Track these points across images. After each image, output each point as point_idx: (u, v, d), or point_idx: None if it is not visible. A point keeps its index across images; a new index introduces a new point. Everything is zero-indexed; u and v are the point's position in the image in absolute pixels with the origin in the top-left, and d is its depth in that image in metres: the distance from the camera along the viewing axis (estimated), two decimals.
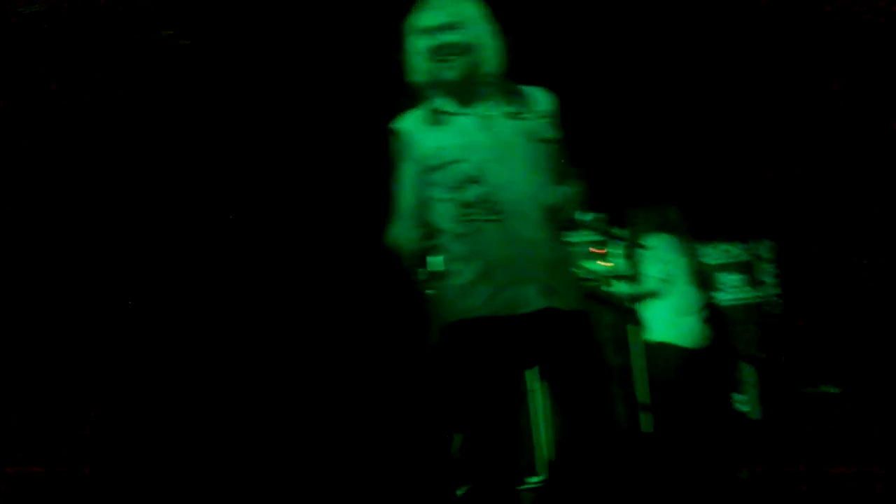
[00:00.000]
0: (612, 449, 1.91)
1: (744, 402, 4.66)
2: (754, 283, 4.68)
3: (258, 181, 3.22)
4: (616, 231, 4.37)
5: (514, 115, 1.95)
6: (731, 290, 4.66)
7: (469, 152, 1.89)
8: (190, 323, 2.83)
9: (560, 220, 1.97)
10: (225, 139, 3.18)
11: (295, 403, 2.84)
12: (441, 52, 1.91)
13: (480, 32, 1.94)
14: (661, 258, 3.81)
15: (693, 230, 4.03)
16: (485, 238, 1.87)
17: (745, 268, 4.71)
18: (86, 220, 2.90)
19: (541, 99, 2.00)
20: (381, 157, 2.06)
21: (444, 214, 1.89)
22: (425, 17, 1.94)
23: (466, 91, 1.94)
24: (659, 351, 3.84)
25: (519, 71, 2.01)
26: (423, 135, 1.94)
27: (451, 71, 1.92)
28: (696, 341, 3.81)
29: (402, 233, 1.99)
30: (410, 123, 1.97)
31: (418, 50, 1.94)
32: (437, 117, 1.93)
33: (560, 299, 1.91)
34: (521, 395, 1.96)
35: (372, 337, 2.76)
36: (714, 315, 3.94)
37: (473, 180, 1.87)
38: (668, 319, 3.83)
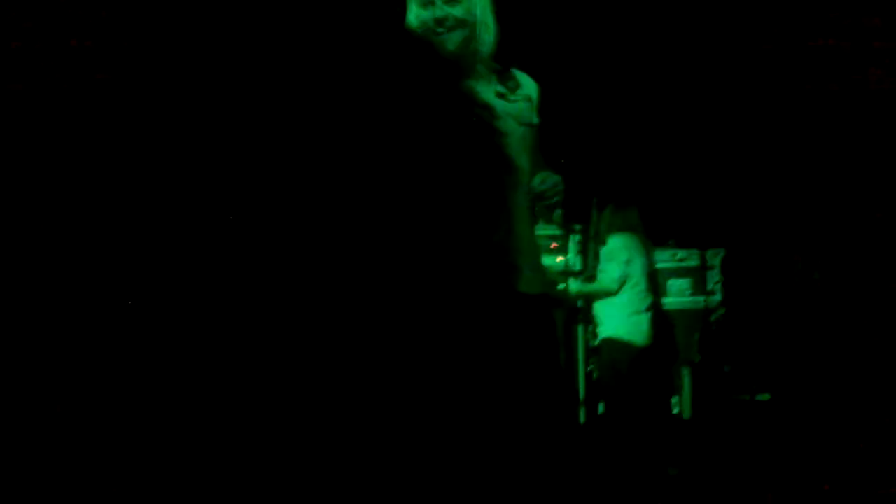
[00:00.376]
0: (551, 439, 1.96)
1: (676, 404, 4.82)
2: (700, 289, 4.84)
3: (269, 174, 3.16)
4: (575, 227, 4.47)
5: (503, 96, 1.95)
6: (678, 294, 4.80)
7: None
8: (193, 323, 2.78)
9: (543, 207, 1.99)
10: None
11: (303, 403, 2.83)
12: (439, 24, 1.89)
13: (479, 9, 1.93)
14: (619, 258, 3.91)
15: (647, 232, 4.15)
16: None
17: (692, 273, 4.86)
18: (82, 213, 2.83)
19: (527, 84, 2.01)
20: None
21: None
22: None
23: (453, 66, 1.92)
24: (608, 345, 3.95)
25: (503, 54, 2.02)
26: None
27: (447, 44, 1.90)
28: (644, 340, 3.93)
29: None
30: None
31: (416, 19, 1.93)
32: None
33: (524, 283, 1.93)
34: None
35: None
36: (660, 316, 4.07)
37: None
38: (620, 317, 3.94)
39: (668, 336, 4.14)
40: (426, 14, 1.91)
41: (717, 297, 4.82)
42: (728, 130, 4.46)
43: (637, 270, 3.94)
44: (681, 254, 4.82)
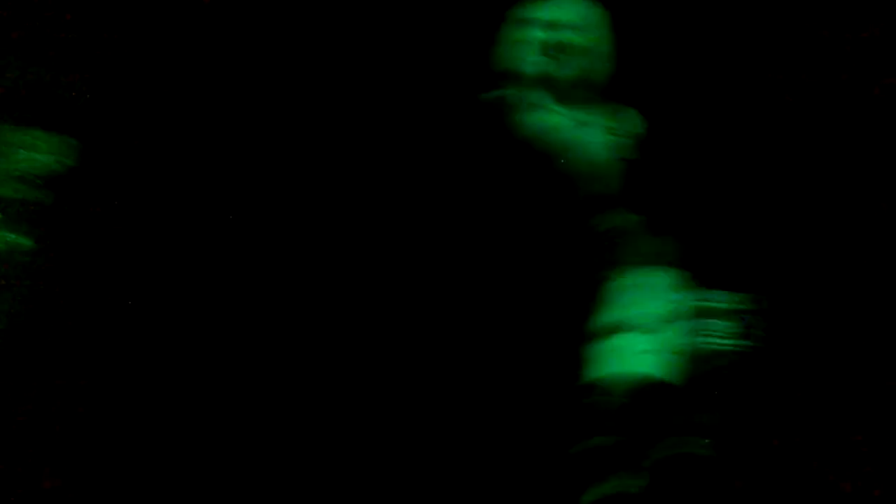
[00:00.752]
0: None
1: (705, 445, 4.73)
2: (735, 331, 4.76)
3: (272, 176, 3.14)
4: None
5: (606, 128, 1.97)
6: (712, 336, 4.73)
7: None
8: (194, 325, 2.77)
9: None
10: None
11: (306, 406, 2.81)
12: (559, 49, 1.92)
13: (599, 39, 1.98)
14: (659, 295, 3.86)
15: (685, 269, 4.09)
16: None
17: (727, 315, 4.78)
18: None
19: (632, 119, 2.05)
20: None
21: None
22: (550, 10, 1.96)
23: (568, 93, 1.93)
24: (640, 383, 3.89)
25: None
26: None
27: (564, 70, 1.93)
28: (678, 379, 3.87)
29: None
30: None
31: (532, 41, 1.93)
32: (532, 109, 1.95)
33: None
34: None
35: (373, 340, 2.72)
36: (698, 357, 4.01)
37: None
38: (654, 354, 3.88)
39: (705, 377, 4.08)
40: (546, 37, 1.94)
41: (752, 342, 4.74)
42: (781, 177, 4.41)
43: (676, 308, 3.89)
44: (716, 295, 4.75)
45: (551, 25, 1.96)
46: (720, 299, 4.83)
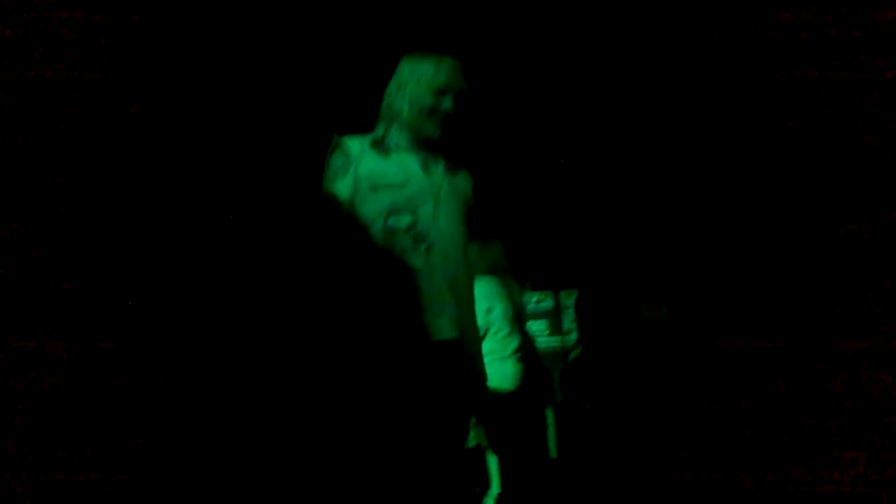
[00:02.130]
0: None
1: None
2: (556, 329, 4.91)
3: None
4: None
5: (450, 170, 2.15)
6: (537, 337, 4.85)
7: (407, 184, 2.05)
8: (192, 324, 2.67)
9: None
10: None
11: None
12: (444, 115, 2.10)
13: (466, 104, 2.16)
14: (480, 308, 3.86)
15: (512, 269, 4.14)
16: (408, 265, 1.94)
17: (547, 314, 4.92)
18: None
19: (466, 171, 2.25)
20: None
21: (370, 237, 1.93)
22: (447, 79, 2.13)
23: (426, 139, 2.12)
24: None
25: None
26: (368, 157, 2.06)
27: (438, 130, 2.11)
28: (511, 384, 3.90)
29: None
30: (358, 143, 2.09)
31: (424, 100, 2.11)
32: (386, 146, 2.08)
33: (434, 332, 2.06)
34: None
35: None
36: (528, 359, 4.07)
37: (405, 209, 1.99)
38: (487, 363, 3.88)
39: (539, 377, 4.14)
40: (434, 102, 2.11)
41: (574, 337, 4.90)
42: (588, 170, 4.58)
43: (498, 317, 3.91)
44: (537, 296, 4.88)
45: (445, 92, 2.12)
46: (538, 300, 4.98)
